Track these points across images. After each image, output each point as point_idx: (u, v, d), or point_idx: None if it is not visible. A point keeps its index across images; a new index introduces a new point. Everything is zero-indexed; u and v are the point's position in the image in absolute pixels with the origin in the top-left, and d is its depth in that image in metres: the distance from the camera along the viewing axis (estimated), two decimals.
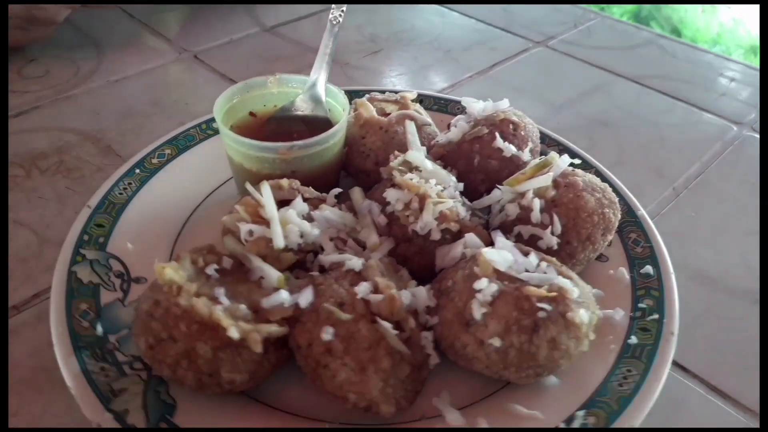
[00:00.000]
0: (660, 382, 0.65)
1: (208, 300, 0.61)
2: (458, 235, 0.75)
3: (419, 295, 0.68)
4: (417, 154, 0.81)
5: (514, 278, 0.66)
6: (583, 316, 0.62)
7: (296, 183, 0.77)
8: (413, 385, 0.64)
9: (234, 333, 0.59)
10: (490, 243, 0.74)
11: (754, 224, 0.97)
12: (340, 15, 0.88)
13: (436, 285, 0.72)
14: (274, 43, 1.43)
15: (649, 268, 0.79)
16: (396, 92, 0.98)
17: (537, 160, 0.82)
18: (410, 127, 0.88)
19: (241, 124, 0.91)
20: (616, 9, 2.69)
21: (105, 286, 0.75)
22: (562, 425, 0.63)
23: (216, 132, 1.00)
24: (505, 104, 0.92)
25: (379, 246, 0.75)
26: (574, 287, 0.64)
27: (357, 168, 0.90)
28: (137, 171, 0.92)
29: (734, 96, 1.31)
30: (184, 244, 0.84)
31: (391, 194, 0.76)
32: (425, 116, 0.94)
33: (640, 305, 0.74)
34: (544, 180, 0.78)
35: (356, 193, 0.81)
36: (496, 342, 0.62)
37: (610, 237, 0.78)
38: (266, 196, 0.72)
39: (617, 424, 0.61)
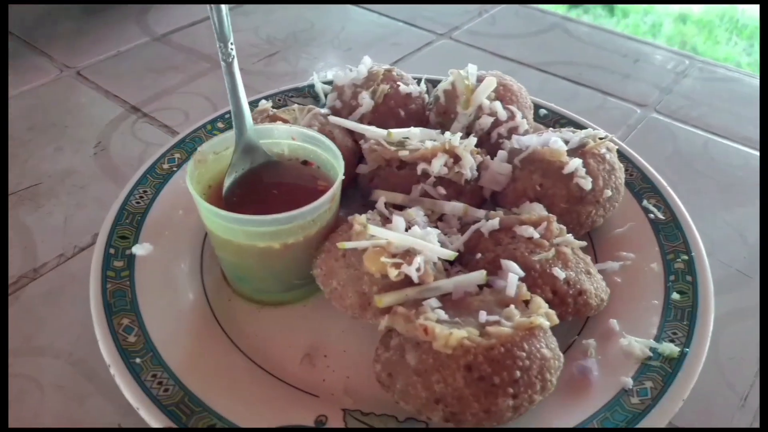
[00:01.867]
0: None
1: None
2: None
3: (540, 209, 0.78)
4: (398, 130, 0.86)
5: (572, 150, 0.82)
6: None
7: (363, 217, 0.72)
8: None
9: None
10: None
11: None
12: (231, 49, 0.76)
13: (521, 200, 0.81)
14: (164, 52, 1.35)
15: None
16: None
17: (457, 83, 0.93)
18: (340, 120, 0.89)
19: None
20: None
21: None
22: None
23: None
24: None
25: (467, 207, 0.80)
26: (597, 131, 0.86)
27: None
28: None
29: (638, 77, 1.30)
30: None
31: (435, 164, 0.80)
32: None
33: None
34: (489, 84, 0.90)
35: (388, 194, 0.81)
36: (608, 193, 0.80)
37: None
38: (388, 233, 0.68)
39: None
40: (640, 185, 0.91)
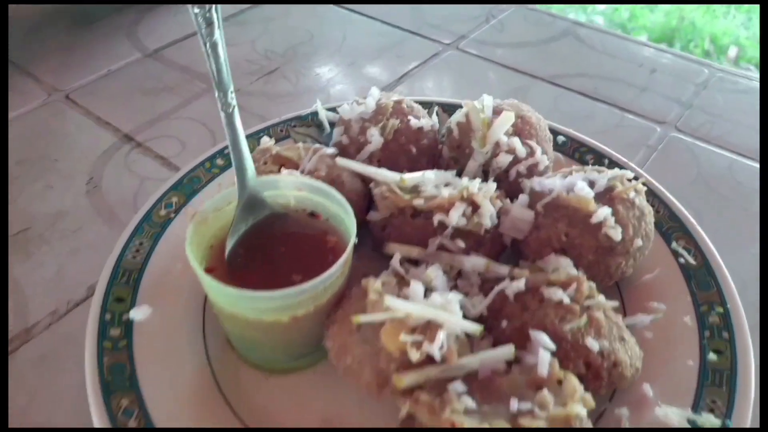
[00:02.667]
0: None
1: None
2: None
3: (568, 263, 0.73)
4: (412, 175, 0.79)
5: (599, 195, 0.76)
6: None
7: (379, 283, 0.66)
8: None
9: None
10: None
11: None
12: (232, 98, 0.70)
13: (545, 251, 0.75)
14: (157, 71, 1.28)
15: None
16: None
17: (473, 116, 0.87)
18: (349, 162, 0.83)
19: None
20: None
21: None
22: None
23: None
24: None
25: (489, 263, 0.74)
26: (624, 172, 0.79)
27: None
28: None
29: (656, 90, 1.23)
30: None
31: (453, 215, 0.73)
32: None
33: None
34: (507, 119, 0.84)
35: (403, 247, 0.75)
36: (639, 242, 0.74)
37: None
38: (406, 304, 0.62)
39: None
40: (668, 224, 0.85)
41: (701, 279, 0.79)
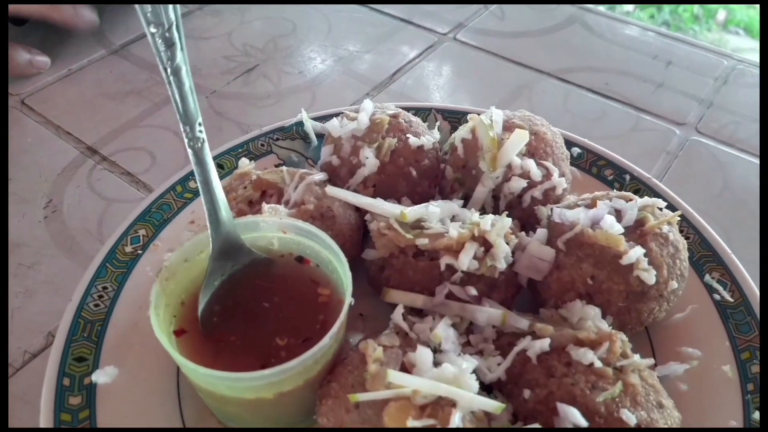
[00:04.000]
0: None
1: None
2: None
3: (596, 314, 0.64)
4: (414, 208, 0.69)
5: (628, 230, 0.66)
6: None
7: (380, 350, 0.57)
8: None
9: None
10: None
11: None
12: (200, 131, 0.58)
13: (568, 295, 0.67)
14: (123, 70, 1.15)
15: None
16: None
17: (482, 134, 0.76)
18: (341, 192, 0.73)
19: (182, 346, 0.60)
20: None
21: None
22: None
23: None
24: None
25: (506, 314, 0.65)
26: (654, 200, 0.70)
27: None
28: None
29: (672, 86, 1.13)
30: None
31: (463, 259, 0.64)
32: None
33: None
34: (521, 138, 0.74)
35: (404, 295, 0.66)
36: (674, 285, 0.65)
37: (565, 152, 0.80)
38: (412, 379, 0.54)
39: None
40: (700, 252, 0.76)
41: (740, 319, 0.70)
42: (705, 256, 0.76)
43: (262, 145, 0.89)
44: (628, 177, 0.85)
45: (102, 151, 0.99)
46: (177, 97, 0.56)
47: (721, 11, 3.18)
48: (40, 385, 0.63)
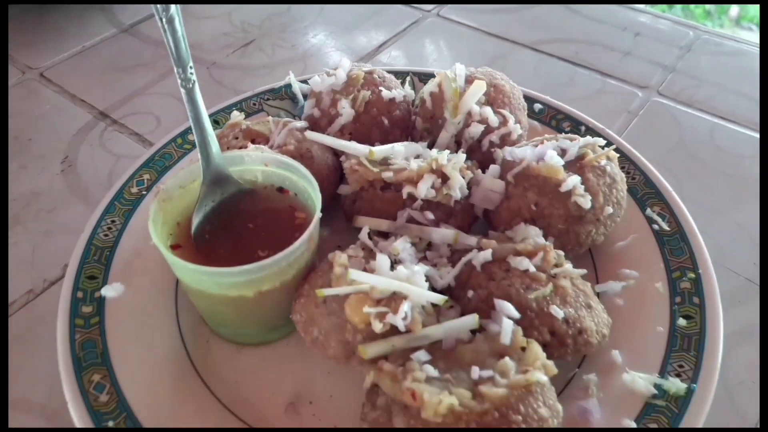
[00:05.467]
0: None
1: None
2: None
3: (537, 232, 0.72)
4: (381, 147, 0.79)
5: (570, 164, 0.75)
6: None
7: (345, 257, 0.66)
8: None
9: None
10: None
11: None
12: (191, 73, 0.69)
13: (515, 221, 0.75)
14: (133, 46, 1.26)
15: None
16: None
17: (445, 86, 0.85)
18: (317, 136, 0.83)
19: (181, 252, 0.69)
20: None
21: None
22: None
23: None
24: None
25: (458, 234, 0.73)
26: (595, 139, 0.79)
27: None
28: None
29: (639, 54, 1.21)
30: None
31: (422, 188, 0.73)
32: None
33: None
34: (479, 88, 0.82)
35: (371, 220, 0.75)
36: (609, 210, 0.74)
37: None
38: (370, 277, 0.62)
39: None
40: (644, 190, 0.85)
41: (674, 245, 0.78)
42: (648, 194, 0.84)
43: (254, 104, 0.99)
44: (583, 128, 0.94)
45: (112, 116, 1.09)
46: (171, 43, 0.66)
47: (735, 7, 3.22)
48: (57, 306, 0.73)
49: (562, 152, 0.77)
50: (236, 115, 0.87)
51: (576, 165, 0.75)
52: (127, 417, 0.63)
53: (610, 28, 1.28)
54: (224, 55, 1.23)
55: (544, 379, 0.57)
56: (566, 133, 0.94)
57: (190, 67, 0.67)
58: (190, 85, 0.68)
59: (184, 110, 1.09)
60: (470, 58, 1.22)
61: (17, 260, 0.87)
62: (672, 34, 1.26)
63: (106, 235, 0.80)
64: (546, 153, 0.76)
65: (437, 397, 0.54)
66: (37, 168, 1.00)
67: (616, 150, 0.87)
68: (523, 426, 0.54)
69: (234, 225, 0.72)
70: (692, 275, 0.75)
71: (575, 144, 0.78)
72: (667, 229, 0.80)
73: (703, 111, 1.08)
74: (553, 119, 0.96)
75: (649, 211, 0.82)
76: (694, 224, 0.80)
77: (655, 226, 0.81)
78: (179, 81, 0.68)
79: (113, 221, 0.81)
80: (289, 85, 1.00)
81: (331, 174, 0.82)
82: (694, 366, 0.66)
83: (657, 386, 0.65)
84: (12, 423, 0.70)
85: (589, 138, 0.79)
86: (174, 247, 0.69)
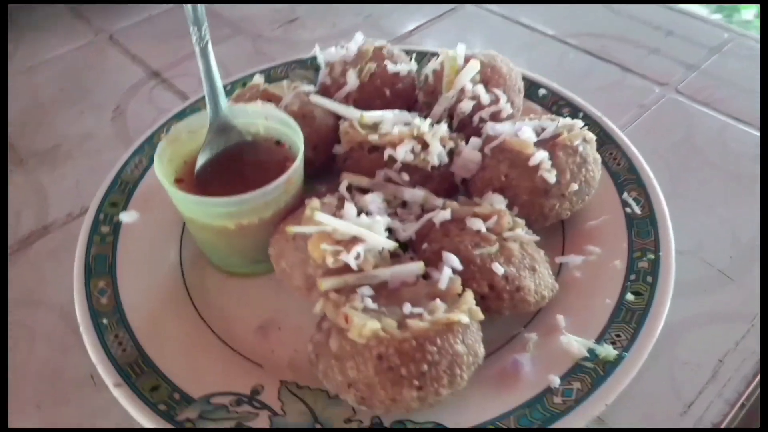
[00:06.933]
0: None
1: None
2: (454, 150, 0.85)
3: (500, 201, 0.78)
4: (371, 113, 0.86)
5: (543, 141, 0.80)
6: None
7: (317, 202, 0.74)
8: None
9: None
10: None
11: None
12: (205, 33, 0.77)
13: (487, 190, 0.80)
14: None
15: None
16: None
17: (445, 64, 0.92)
18: (320, 99, 0.91)
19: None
20: None
21: None
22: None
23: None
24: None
25: (427, 195, 0.80)
26: (575, 121, 0.84)
27: None
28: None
29: (666, 53, 1.22)
30: None
31: (400, 151, 0.81)
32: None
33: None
34: (472, 67, 0.89)
35: (354, 177, 0.82)
36: (574, 187, 0.78)
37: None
38: (333, 220, 0.70)
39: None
40: (626, 176, 0.88)
41: (642, 228, 0.82)
42: (628, 179, 0.87)
43: (281, 72, 1.09)
44: (581, 114, 0.97)
45: (163, 75, 1.23)
46: (189, 6, 0.77)
47: None
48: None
49: (542, 130, 0.82)
50: (257, 78, 0.98)
51: (549, 143, 0.80)
52: (119, 318, 0.75)
53: (641, 26, 1.29)
54: (270, 29, 1.34)
55: (466, 320, 0.63)
56: (565, 117, 0.98)
57: (205, 27, 0.78)
58: (203, 44, 0.78)
59: (224, 73, 1.22)
60: (496, 46, 1.26)
61: (63, 189, 1.01)
62: (705, 35, 1.25)
63: (132, 172, 0.92)
64: (521, 129, 0.81)
65: (364, 321, 0.61)
66: (93, 114, 1.15)
67: (607, 136, 0.91)
68: (437, 357, 0.61)
69: (232, 169, 0.82)
70: (652, 257, 0.78)
71: (554, 124, 0.82)
72: (639, 213, 0.83)
73: (717, 110, 1.08)
74: (554, 104, 1.00)
75: (626, 195, 0.86)
76: (667, 211, 0.82)
77: (628, 210, 0.84)
78: (194, 39, 0.78)
79: (140, 161, 0.94)
80: (314, 57, 1.09)
81: (330, 134, 0.91)
82: (630, 337, 0.70)
83: (590, 350, 0.70)
84: (34, 318, 0.83)
85: (568, 119, 0.83)
86: (177, 181, 0.80)
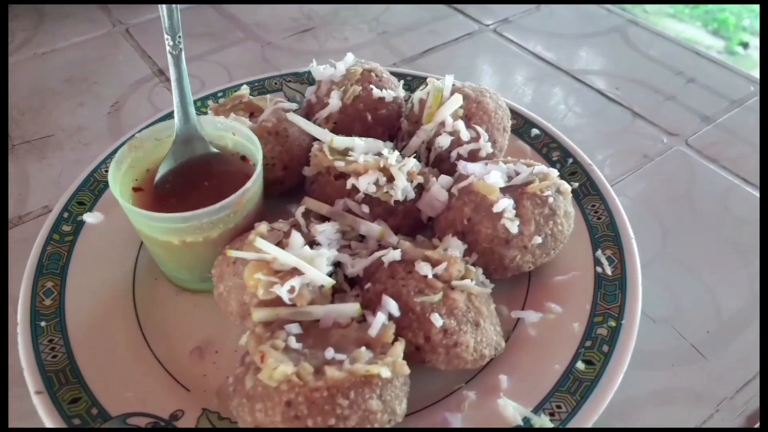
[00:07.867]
0: None
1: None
2: (423, 186, 0.82)
3: (458, 246, 0.74)
4: (342, 138, 0.84)
5: (512, 187, 0.77)
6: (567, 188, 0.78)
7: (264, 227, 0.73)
8: None
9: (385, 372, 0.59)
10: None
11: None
12: (179, 42, 0.76)
13: (449, 231, 0.77)
14: (209, 18, 1.40)
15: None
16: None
17: (431, 94, 0.89)
18: (296, 118, 0.89)
19: (136, 200, 0.78)
20: None
21: None
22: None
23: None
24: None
25: (384, 230, 0.77)
26: (551, 170, 0.79)
27: (267, 181, 0.83)
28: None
29: (684, 101, 1.15)
30: None
31: (362, 182, 0.78)
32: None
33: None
34: (455, 101, 0.86)
35: (314, 203, 0.80)
36: (538, 240, 0.74)
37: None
38: (273, 248, 0.68)
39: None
40: (604, 231, 0.83)
41: (610, 290, 0.77)
42: (606, 236, 0.83)
43: (276, 83, 1.08)
44: (570, 160, 0.93)
45: (167, 74, 1.23)
46: (165, 13, 0.76)
47: None
48: None
49: (516, 175, 0.78)
50: (244, 89, 0.96)
51: (518, 190, 0.76)
52: (58, 322, 0.74)
53: (662, 69, 1.23)
54: (281, 38, 1.33)
55: (388, 374, 0.60)
56: (553, 161, 0.94)
57: (179, 36, 0.77)
58: (177, 52, 0.78)
59: (227, 77, 1.22)
60: (503, 76, 1.23)
61: (47, 179, 1.02)
62: (729, 85, 1.18)
63: (105, 172, 0.92)
64: (491, 172, 0.77)
65: (277, 364, 0.59)
66: (91, 107, 1.16)
67: (593, 186, 0.87)
68: (347, 412, 0.58)
69: (193, 180, 0.80)
70: (613, 324, 0.73)
71: (528, 170, 0.78)
72: (609, 274, 0.78)
73: (725, 169, 1.01)
74: (545, 147, 0.96)
75: (599, 252, 0.81)
76: (640, 275, 0.77)
77: (599, 269, 0.79)
78: (167, 48, 0.77)
79: None
80: (309, 72, 1.07)
81: (303, 155, 0.88)
82: (570, 410, 0.66)
83: (525, 419, 0.66)
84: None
85: (543, 168, 0.79)
86: (136, 189, 0.79)
